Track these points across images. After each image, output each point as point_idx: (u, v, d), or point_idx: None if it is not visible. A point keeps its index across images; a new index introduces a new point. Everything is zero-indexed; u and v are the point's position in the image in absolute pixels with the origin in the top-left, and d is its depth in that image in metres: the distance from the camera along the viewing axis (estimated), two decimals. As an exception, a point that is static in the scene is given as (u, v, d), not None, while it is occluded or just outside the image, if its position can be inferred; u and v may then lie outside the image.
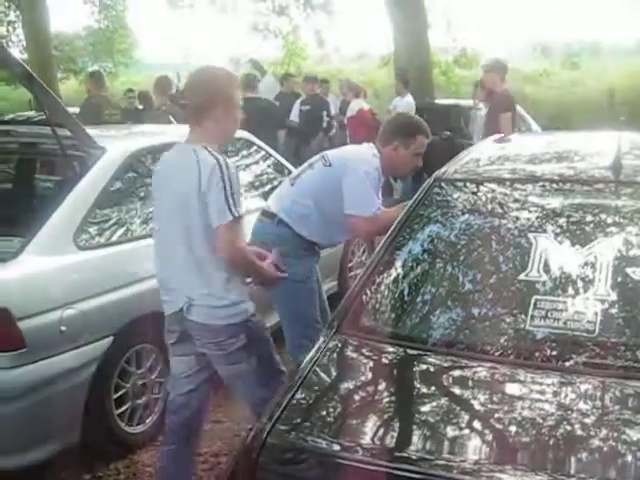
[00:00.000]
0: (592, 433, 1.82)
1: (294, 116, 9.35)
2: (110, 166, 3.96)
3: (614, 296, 2.21)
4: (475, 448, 1.83)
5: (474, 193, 2.72)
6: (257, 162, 5.44)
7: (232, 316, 2.87)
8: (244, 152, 5.38)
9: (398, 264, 2.54)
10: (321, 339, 2.30)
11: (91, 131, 4.09)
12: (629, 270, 2.26)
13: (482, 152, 3.17)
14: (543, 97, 15.94)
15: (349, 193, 3.56)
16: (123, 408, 3.75)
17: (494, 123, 6.37)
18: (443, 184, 2.76)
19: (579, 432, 1.83)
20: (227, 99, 2.90)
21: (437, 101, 12.21)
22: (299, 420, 1.96)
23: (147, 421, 3.92)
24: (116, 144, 4.25)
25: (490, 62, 7.30)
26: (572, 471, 1.69)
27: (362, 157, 3.66)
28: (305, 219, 3.71)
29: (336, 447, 1.83)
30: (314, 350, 2.24)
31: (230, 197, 2.77)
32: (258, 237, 3.82)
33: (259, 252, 3.03)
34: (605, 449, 1.76)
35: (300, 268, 3.71)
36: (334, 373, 2.21)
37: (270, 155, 5.43)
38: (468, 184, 2.76)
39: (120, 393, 3.73)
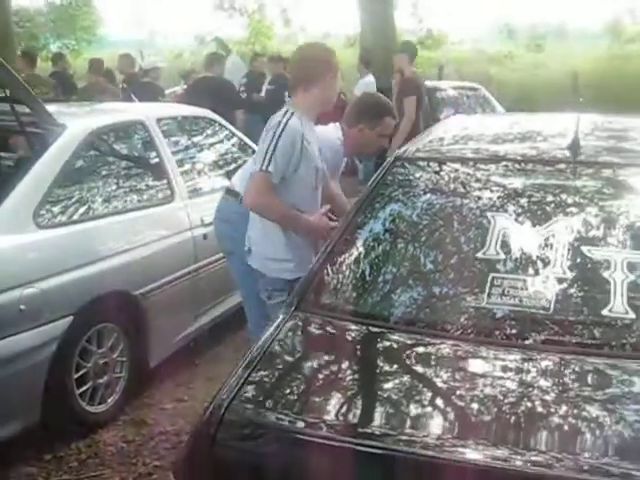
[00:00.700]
0: (551, 408, 1.84)
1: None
2: (70, 144, 3.92)
3: (570, 275, 2.24)
4: (437, 424, 1.85)
5: (434, 172, 2.74)
6: (221, 141, 5.42)
7: (279, 271, 3.18)
8: (208, 131, 5.36)
9: (358, 243, 2.55)
10: (280, 317, 2.30)
11: (51, 108, 4.04)
12: (586, 249, 2.30)
13: (442, 132, 3.19)
14: (507, 79, 16.01)
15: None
16: (84, 387, 3.73)
17: (400, 105, 6.42)
18: (403, 163, 2.77)
19: (538, 407, 1.85)
20: (333, 71, 3.26)
21: (402, 82, 12.19)
22: (257, 396, 1.97)
23: (109, 400, 3.91)
24: (76, 121, 4.20)
25: (401, 44, 7.42)
26: (533, 445, 1.72)
27: (324, 137, 3.65)
28: None
29: (295, 423, 1.84)
30: (273, 327, 2.24)
31: (270, 153, 3.03)
32: (223, 215, 3.84)
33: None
34: (564, 424, 1.79)
35: None
36: (293, 350, 2.22)
37: (234, 134, 5.41)
38: (428, 163, 2.78)
39: (81, 372, 3.71)
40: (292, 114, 3.17)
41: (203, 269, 4.45)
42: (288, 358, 2.18)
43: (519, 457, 1.65)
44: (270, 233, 3.25)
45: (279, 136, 3.10)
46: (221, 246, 3.93)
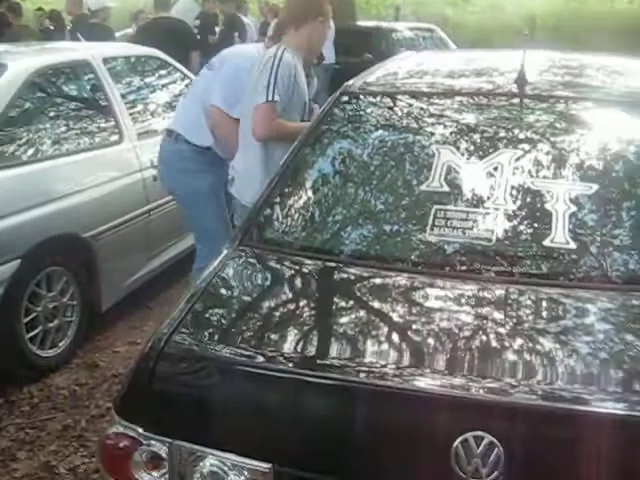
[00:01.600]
0: (501, 337, 1.86)
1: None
2: (11, 84, 3.81)
3: (513, 206, 2.25)
4: (393, 355, 1.84)
5: (380, 105, 2.72)
6: (171, 82, 5.31)
7: None
8: (158, 72, 5.25)
9: (302, 177, 2.53)
10: (225, 251, 2.28)
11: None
12: (529, 181, 2.31)
13: (390, 67, 3.16)
14: (464, 21, 15.93)
15: (219, 86, 3.56)
16: (34, 332, 3.69)
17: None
18: (350, 96, 2.75)
19: (490, 337, 1.86)
20: (325, 15, 3.41)
21: (358, 23, 12.09)
22: (199, 329, 1.96)
23: (60, 344, 3.88)
24: (18, 61, 4.08)
25: None
26: (488, 374, 1.73)
27: (242, 53, 3.64)
28: (197, 127, 3.69)
29: (239, 355, 1.82)
30: (217, 262, 2.23)
31: (272, 84, 3.11)
32: (162, 155, 3.87)
33: None
34: (516, 352, 1.80)
35: (203, 182, 3.71)
36: (236, 284, 2.20)
37: (185, 76, 5.31)
38: (374, 96, 2.75)
39: (31, 317, 3.67)
40: (284, 50, 3.23)
41: (154, 211, 4.40)
42: (231, 292, 2.17)
43: (475, 385, 1.67)
44: (251, 178, 3.25)
45: (277, 67, 3.18)
46: (162, 186, 3.93)
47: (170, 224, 4.43)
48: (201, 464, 1.76)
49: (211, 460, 1.75)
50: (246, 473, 1.73)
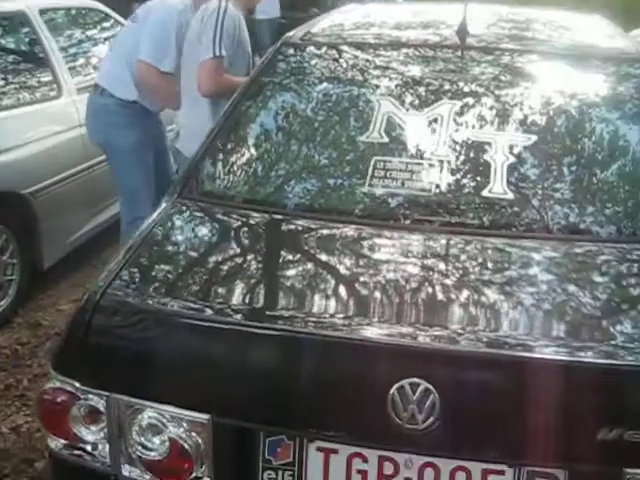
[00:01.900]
0: (440, 287, 1.86)
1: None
2: None
3: (452, 157, 2.25)
4: (339, 306, 1.83)
5: (321, 56, 2.69)
6: (112, 35, 5.18)
7: None
8: (97, 24, 5.13)
9: (242, 129, 2.50)
10: (163, 204, 2.25)
11: None
12: (468, 132, 2.31)
13: (333, 19, 3.13)
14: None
15: (145, 39, 3.53)
16: (-27, 290, 3.62)
17: None
18: (291, 47, 2.71)
19: (428, 286, 1.87)
20: None
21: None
22: (137, 281, 1.93)
23: (1, 303, 3.81)
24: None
25: None
26: (425, 322, 1.74)
27: (167, 5, 3.60)
28: (121, 81, 3.65)
29: (175, 306, 1.79)
30: (155, 214, 2.19)
31: (218, 38, 3.10)
32: (89, 109, 3.85)
33: None
34: (452, 300, 1.81)
35: (129, 137, 3.67)
36: (176, 236, 2.16)
37: (126, 28, 5.17)
38: (315, 47, 2.72)
39: (-31, 275, 3.60)
40: (227, 1, 3.22)
41: (96, 167, 4.32)
42: (170, 244, 2.13)
43: (412, 333, 1.68)
44: (198, 132, 3.21)
45: (222, 20, 3.17)
46: (90, 140, 3.94)
47: (112, 180, 4.35)
48: (139, 417, 1.75)
49: (149, 413, 1.74)
50: (185, 424, 1.72)
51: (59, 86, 4.29)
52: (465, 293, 1.83)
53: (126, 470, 1.79)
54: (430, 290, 1.85)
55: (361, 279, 1.91)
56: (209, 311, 1.78)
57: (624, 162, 2.32)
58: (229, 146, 2.45)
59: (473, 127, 2.34)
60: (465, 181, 2.20)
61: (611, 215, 2.15)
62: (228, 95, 3.04)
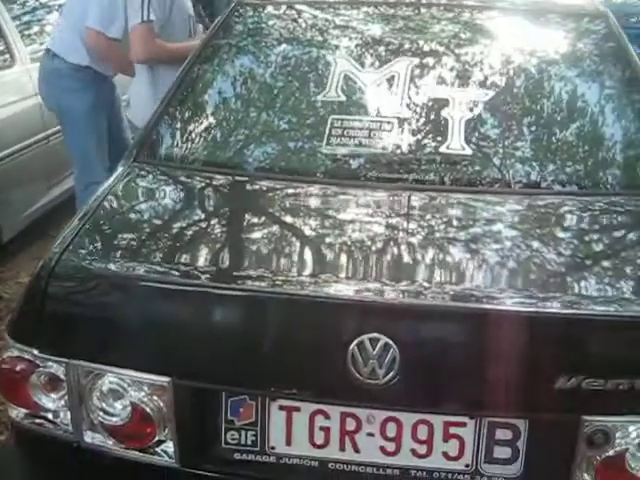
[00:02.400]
0: (400, 243, 1.87)
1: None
2: None
3: (410, 114, 2.25)
4: (305, 265, 1.82)
5: (276, 16, 2.66)
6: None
7: None
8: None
9: (198, 92, 2.46)
10: (119, 169, 2.21)
11: None
12: (426, 89, 2.30)
13: None
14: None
15: (93, 5, 3.48)
16: None
17: None
18: (246, 7, 2.67)
19: (388, 243, 1.86)
20: None
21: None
22: (92, 246, 1.89)
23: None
24: None
25: None
26: (384, 278, 1.73)
27: None
28: (72, 46, 3.61)
29: (133, 270, 1.77)
30: (111, 179, 2.15)
31: (146, 2, 3.06)
32: (42, 74, 3.80)
33: None
34: (427, 257, 1.81)
35: (82, 102, 3.63)
36: (133, 199, 2.13)
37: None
38: (269, 7, 2.68)
39: None
40: None
41: (53, 137, 4.24)
42: (126, 208, 2.09)
43: (371, 288, 1.67)
44: (142, 101, 3.26)
45: None
46: (45, 106, 3.92)
47: (62, 156, 4.27)
48: (99, 382, 1.73)
49: (110, 378, 1.73)
50: (145, 388, 1.71)
51: (12, 55, 4.20)
52: (425, 249, 1.84)
53: (88, 437, 1.78)
54: (391, 247, 1.85)
55: (321, 238, 1.90)
56: (166, 273, 1.76)
57: (582, 116, 2.33)
58: (185, 109, 2.41)
59: (431, 84, 2.33)
60: (423, 138, 2.19)
61: (570, 168, 2.17)
62: (170, 63, 3.03)
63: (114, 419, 1.75)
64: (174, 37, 3.21)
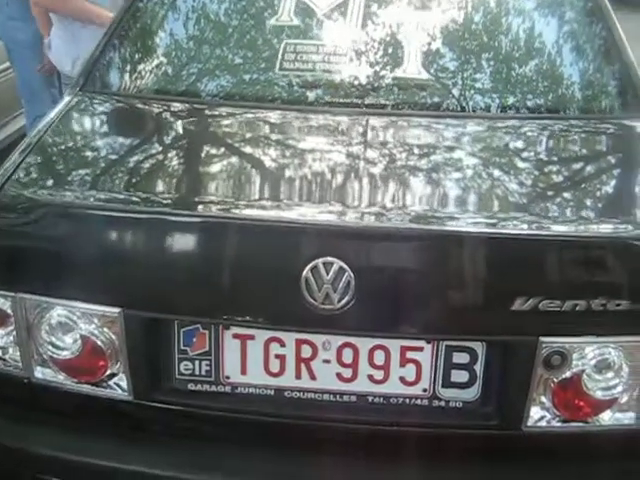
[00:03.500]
0: (358, 166, 1.82)
1: None
2: None
3: (365, 38, 2.19)
4: (266, 190, 1.78)
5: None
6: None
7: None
8: None
9: (147, 18, 2.36)
10: (66, 98, 2.12)
11: None
12: (380, 12, 2.24)
13: None
14: None
15: None
16: None
17: None
18: None
19: (345, 167, 1.82)
20: None
21: None
22: (36, 177, 1.81)
23: None
24: None
25: None
26: (339, 202, 1.68)
27: None
28: None
29: (80, 199, 1.70)
30: (56, 109, 2.06)
31: None
32: None
33: None
34: (375, 178, 1.77)
35: (27, 32, 3.58)
36: (79, 128, 2.05)
37: None
38: None
39: None
40: None
41: (2, 74, 4.10)
42: (74, 137, 2.01)
43: (325, 212, 1.63)
44: (61, 51, 3.20)
45: None
46: None
47: (13, 93, 4.12)
48: (48, 315, 1.68)
49: (58, 310, 1.68)
50: (96, 320, 1.66)
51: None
52: (380, 173, 1.79)
53: (39, 372, 1.74)
54: (346, 171, 1.81)
55: (275, 163, 1.85)
56: (112, 201, 1.69)
57: (542, 42, 2.29)
58: (134, 37, 2.32)
59: (388, 8, 2.27)
60: (379, 62, 2.14)
61: (529, 92, 2.14)
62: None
63: (64, 353, 1.70)
64: None
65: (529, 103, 2.11)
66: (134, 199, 1.72)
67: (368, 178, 1.76)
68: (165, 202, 1.71)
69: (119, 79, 2.22)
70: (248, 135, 1.98)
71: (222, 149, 1.94)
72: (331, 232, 1.58)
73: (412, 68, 2.10)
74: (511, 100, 2.10)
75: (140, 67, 2.26)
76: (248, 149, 1.92)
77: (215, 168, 1.83)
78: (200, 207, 1.68)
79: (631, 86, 2.12)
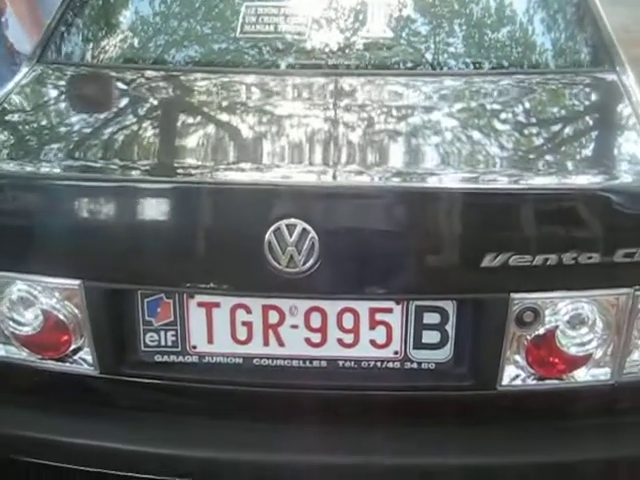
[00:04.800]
0: (327, 127, 1.79)
1: None
2: None
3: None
4: (236, 155, 1.73)
5: None
6: None
7: None
8: None
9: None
10: (23, 70, 2.06)
11: None
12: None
13: None
14: None
15: None
16: None
17: None
18: None
19: (313, 127, 1.79)
20: None
21: None
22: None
23: None
24: None
25: None
26: (311, 161, 1.64)
27: None
28: None
29: (36, 170, 1.65)
30: (13, 82, 2.00)
31: None
32: None
33: None
34: (343, 138, 1.74)
35: None
36: (38, 98, 2.00)
37: None
38: None
39: None
40: None
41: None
42: (34, 107, 1.96)
43: (296, 173, 1.60)
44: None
45: None
46: None
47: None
48: (7, 290, 1.63)
49: (18, 285, 1.63)
50: (57, 294, 1.61)
51: None
52: (344, 133, 1.75)
53: (1, 349, 1.69)
54: (309, 132, 1.77)
55: (237, 126, 1.82)
56: (70, 169, 1.65)
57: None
58: (91, 6, 2.26)
59: None
60: (342, 21, 2.09)
61: (499, 49, 2.11)
62: None
63: (26, 329, 1.66)
64: None
65: (503, 61, 2.07)
66: (91, 168, 1.66)
67: (331, 138, 1.72)
68: (121, 169, 1.66)
69: (77, 49, 2.17)
70: (205, 100, 1.94)
71: (182, 115, 1.89)
72: (292, 193, 1.53)
73: (377, 27, 2.06)
74: (485, 57, 2.06)
75: (101, 36, 2.21)
76: (207, 114, 1.87)
77: (175, 134, 1.78)
78: (158, 173, 1.63)
79: (602, 42, 2.08)
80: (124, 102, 2.01)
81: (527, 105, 1.91)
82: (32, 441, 1.71)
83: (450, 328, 1.58)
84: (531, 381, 1.61)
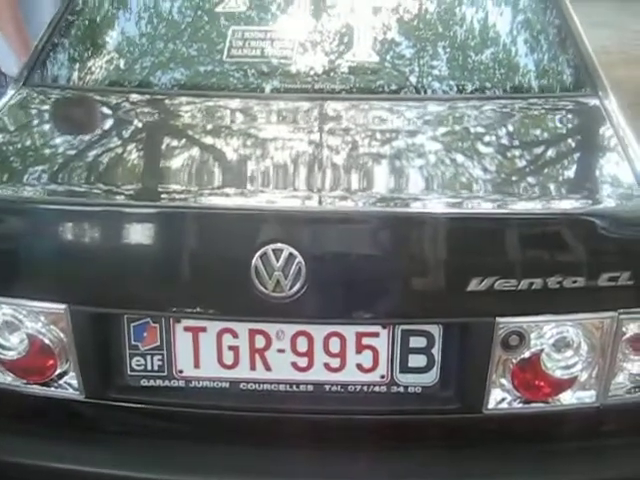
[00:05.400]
0: (313, 151, 1.80)
1: None
2: None
3: (313, 21, 2.16)
4: (226, 178, 1.74)
5: None
6: None
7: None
8: None
9: (96, 11, 2.31)
10: (9, 93, 2.06)
11: None
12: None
13: None
14: None
15: None
16: None
17: None
18: None
19: (304, 152, 1.80)
20: None
21: None
22: None
23: None
24: None
25: None
26: (297, 186, 1.67)
27: None
28: None
29: (24, 193, 1.65)
30: (-1, 103, 2.01)
31: None
32: None
33: None
34: (328, 163, 1.75)
35: None
36: (24, 121, 2.00)
37: None
38: None
39: None
40: None
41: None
42: (19, 130, 1.96)
43: (275, 198, 1.60)
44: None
45: None
46: None
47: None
48: None
49: (3, 309, 1.62)
50: (42, 318, 1.61)
51: None
52: (330, 157, 1.76)
53: (-15, 374, 1.68)
54: (295, 156, 1.78)
55: (224, 151, 1.83)
56: (56, 194, 1.64)
57: (499, 22, 2.27)
58: (81, 29, 2.27)
59: None
60: (327, 46, 2.11)
61: (482, 73, 2.12)
62: None
63: (11, 353, 1.65)
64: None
65: (487, 85, 2.09)
66: (77, 192, 1.66)
67: (317, 163, 1.73)
68: (107, 194, 1.66)
69: (67, 73, 2.16)
70: (192, 123, 1.94)
71: (168, 139, 1.89)
72: (279, 217, 1.54)
73: (362, 52, 2.07)
74: (469, 81, 2.08)
75: (89, 61, 2.21)
76: (193, 138, 1.88)
77: (161, 158, 1.79)
78: (145, 197, 1.63)
79: (584, 66, 2.10)
80: (110, 126, 2.01)
81: (510, 129, 1.93)
82: (17, 467, 1.70)
83: (436, 352, 1.58)
84: (517, 404, 1.62)
